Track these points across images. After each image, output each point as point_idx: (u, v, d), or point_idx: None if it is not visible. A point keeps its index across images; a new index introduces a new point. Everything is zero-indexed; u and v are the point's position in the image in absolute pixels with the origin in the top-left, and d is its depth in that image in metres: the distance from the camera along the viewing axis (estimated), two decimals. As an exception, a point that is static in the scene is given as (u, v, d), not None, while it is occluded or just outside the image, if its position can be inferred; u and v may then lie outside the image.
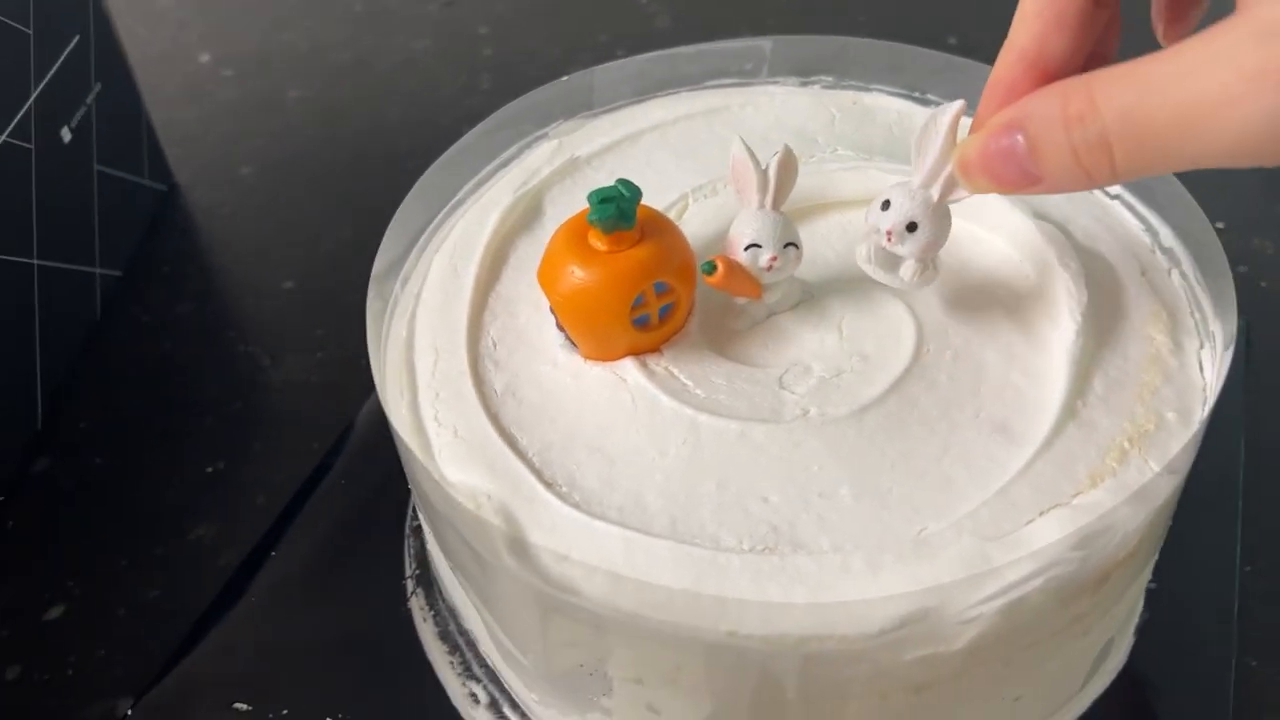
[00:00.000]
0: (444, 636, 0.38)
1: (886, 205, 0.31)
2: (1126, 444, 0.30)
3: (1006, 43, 0.31)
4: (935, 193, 0.31)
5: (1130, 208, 0.38)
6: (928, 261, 0.32)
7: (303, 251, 0.55)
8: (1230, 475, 0.41)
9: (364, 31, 0.69)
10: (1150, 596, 0.37)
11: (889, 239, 0.31)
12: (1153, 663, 0.36)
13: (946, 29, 0.65)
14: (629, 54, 0.65)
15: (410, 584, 0.39)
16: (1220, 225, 0.52)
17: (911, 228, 0.31)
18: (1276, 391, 0.45)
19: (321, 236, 0.56)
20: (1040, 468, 0.30)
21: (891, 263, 0.32)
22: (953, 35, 0.65)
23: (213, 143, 0.62)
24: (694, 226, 0.37)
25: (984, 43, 0.63)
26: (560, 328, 0.34)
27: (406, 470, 0.33)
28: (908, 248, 0.31)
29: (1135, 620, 0.37)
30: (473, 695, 0.36)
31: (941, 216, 0.31)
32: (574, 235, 0.33)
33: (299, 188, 0.59)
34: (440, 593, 0.38)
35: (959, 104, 0.31)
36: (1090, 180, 0.27)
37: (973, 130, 0.30)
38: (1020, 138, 0.28)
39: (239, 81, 0.66)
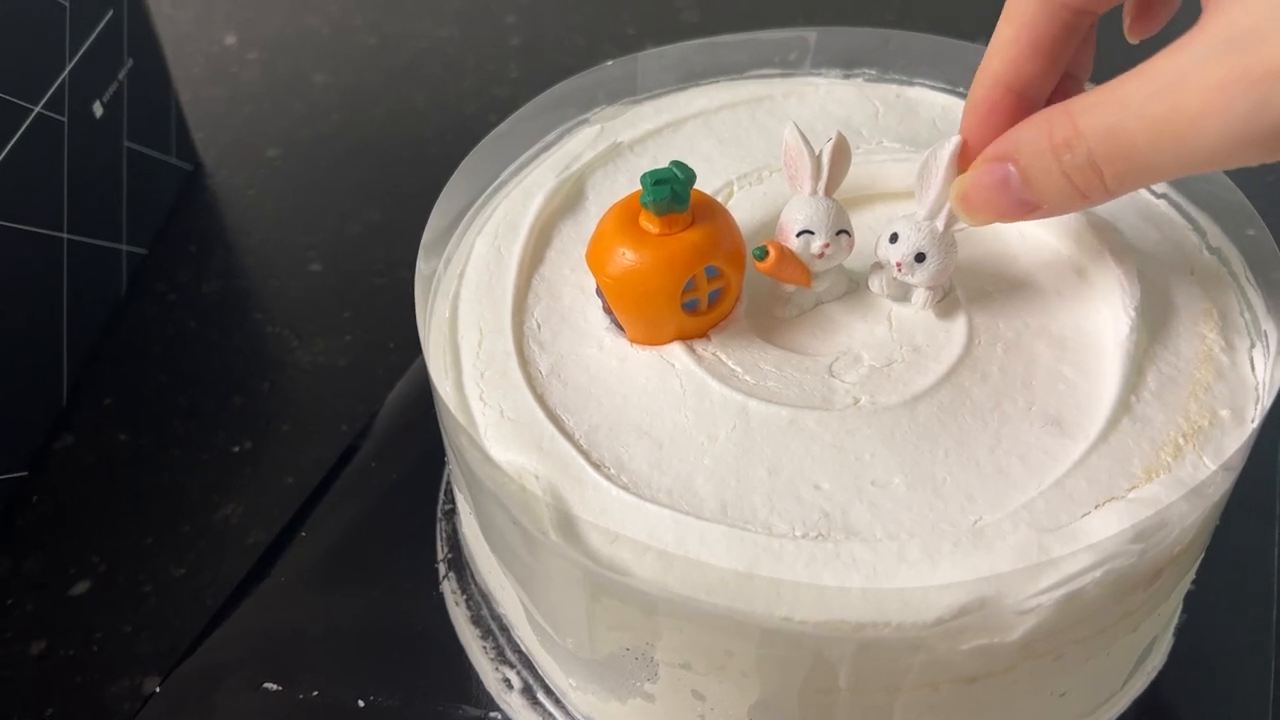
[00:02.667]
0: (477, 621, 0.37)
1: (895, 238, 0.32)
2: (1181, 440, 0.30)
3: (981, 67, 0.32)
4: (940, 224, 0.32)
5: (1177, 207, 0.38)
6: (939, 288, 0.33)
7: (329, 234, 0.55)
8: (1269, 476, 0.41)
9: (389, 17, 0.69)
10: (1188, 598, 0.37)
11: (899, 270, 0.32)
12: (1191, 664, 0.36)
13: (975, 30, 0.65)
14: (655, 45, 0.65)
15: (443, 567, 0.39)
16: (1251, 231, 0.52)
17: (920, 258, 0.32)
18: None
19: (347, 220, 0.55)
20: (1095, 461, 0.30)
21: (904, 292, 0.33)
22: (981, 36, 0.64)
23: (238, 124, 0.62)
24: (739, 214, 0.37)
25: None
26: (607, 310, 0.34)
27: (451, 448, 0.32)
28: (918, 277, 0.32)
29: (1175, 621, 0.36)
30: (506, 680, 0.36)
31: (948, 246, 0.32)
32: (625, 217, 0.33)
33: (324, 171, 0.59)
34: (473, 577, 0.38)
35: (957, 139, 0.32)
36: (1087, 200, 0.28)
37: (963, 157, 0.31)
38: (1012, 169, 0.29)
39: (264, 64, 0.65)
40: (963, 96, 0.42)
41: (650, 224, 0.32)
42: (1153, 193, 0.38)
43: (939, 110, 0.41)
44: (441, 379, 0.33)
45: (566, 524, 0.29)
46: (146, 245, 0.53)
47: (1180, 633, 0.36)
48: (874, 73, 0.43)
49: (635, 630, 0.29)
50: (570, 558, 0.29)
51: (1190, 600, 0.37)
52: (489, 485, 0.30)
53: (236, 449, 0.45)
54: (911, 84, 0.43)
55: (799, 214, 0.33)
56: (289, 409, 0.47)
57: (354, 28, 0.68)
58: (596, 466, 0.30)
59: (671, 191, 0.31)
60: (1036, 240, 0.36)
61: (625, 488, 0.30)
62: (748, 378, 0.32)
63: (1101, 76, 0.29)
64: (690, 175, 0.32)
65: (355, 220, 0.55)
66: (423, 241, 0.34)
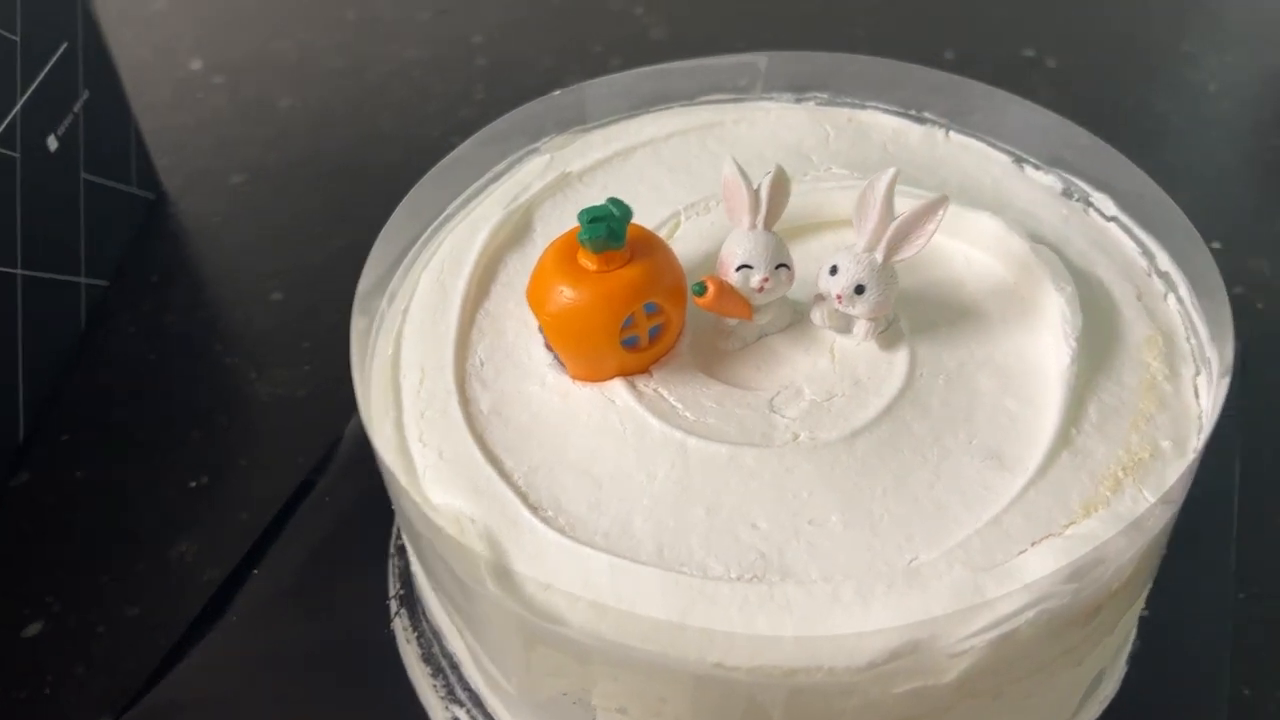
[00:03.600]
0: (427, 659, 0.37)
1: (835, 270, 0.32)
2: (1121, 473, 0.30)
3: None
4: (880, 256, 0.32)
5: (1127, 230, 0.37)
6: (880, 319, 0.33)
7: (292, 262, 0.55)
8: (1225, 500, 0.41)
9: (356, 39, 0.68)
10: (1143, 625, 0.37)
11: (839, 302, 0.32)
12: (1146, 692, 0.36)
13: (944, 43, 0.65)
14: (624, 64, 0.65)
15: (394, 604, 0.39)
16: (1217, 245, 0.52)
17: (859, 290, 0.32)
18: (1272, 415, 0.45)
19: (311, 247, 0.55)
20: (1033, 497, 0.29)
21: (847, 323, 0.33)
22: (950, 50, 0.64)
23: (203, 150, 0.61)
24: (687, 244, 0.37)
25: (979, 57, 0.64)
26: (549, 347, 0.34)
27: (390, 493, 0.32)
28: (858, 309, 0.32)
29: (1128, 649, 0.36)
30: (455, 719, 0.36)
31: (888, 278, 0.32)
32: (563, 254, 0.32)
33: (289, 197, 0.58)
34: (424, 614, 0.38)
35: (892, 171, 0.32)
36: None
37: None
38: None
39: (230, 89, 0.65)
40: (914, 119, 0.42)
41: (588, 261, 0.32)
42: (1103, 215, 0.38)
43: (890, 134, 0.41)
44: (382, 421, 0.33)
45: (501, 572, 0.29)
46: (108, 277, 0.53)
47: (1134, 660, 0.36)
48: (826, 96, 0.43)
49: (571, 677, 0.29)
50: (505, 605, 0.28)
51: (1145, 627, 0.37)
52: (423, 532, 0.30)
53: (193, 484, 0.45)
54: (864, 107, 0.42)
55: (738, 248, 0.33)
56: (246, 442, 0.47)
57: (321, 50, 0.68)
58: (534, 509, 0.30)
59: (608, 229, 0.31)
60: (983, 267, 0.36)
61: (562, 531, 0.30)
62: (688, 414, 0.32)
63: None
64: (627, 212, 0.32)
65: (318, 248, 0.55)
66: (357, 293, 0.34)
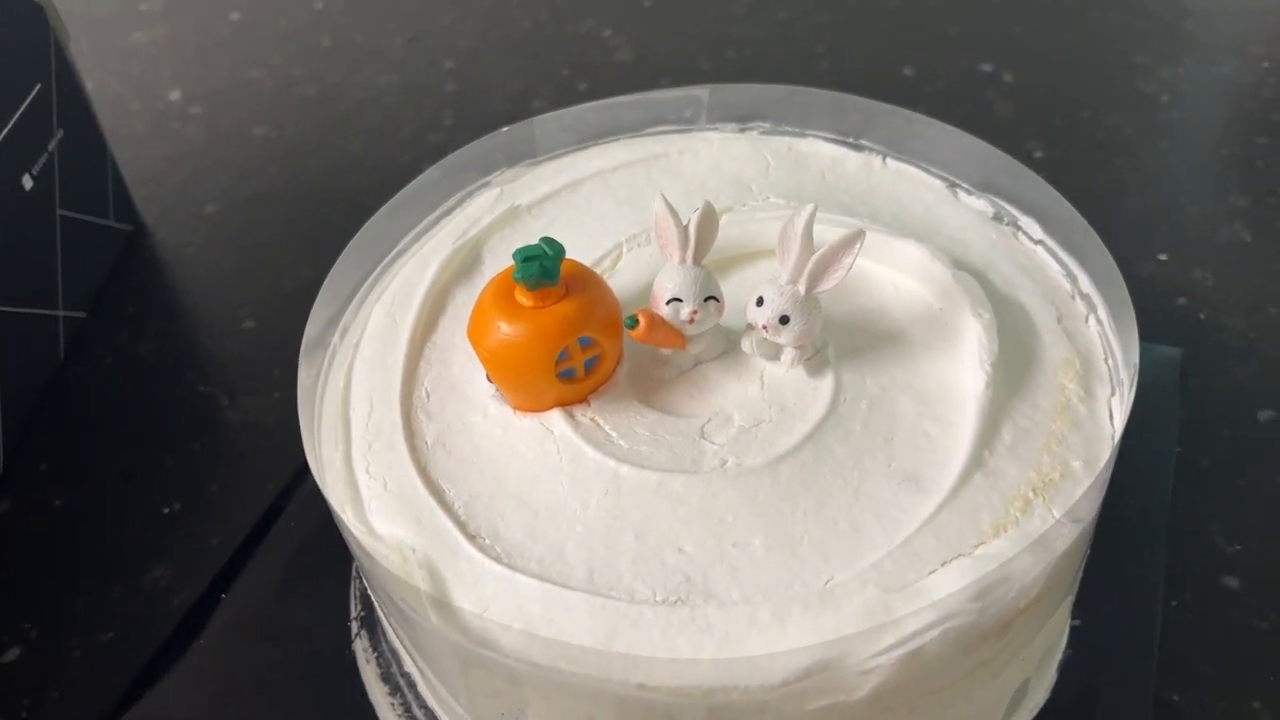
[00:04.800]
0: (386, 678, 0.38)
1: (761, 301, 0.34)
2: (1031, 493, 0.31)
3: None
4: (802, 287, 0.33)
5: (1053, 253, 0.39)
6: (806, 347, 0.34)
7: (264, 290, 0.56)
8: (1159, 509, 0.42)
9: (330, 67, 0.70)
10: (1074, 633, 0.38)
11: (766, 331, 0.33)
12: (1075, 699, 0.37)
13: (903, 60, 0.66)
14: (591, 88, 0.67)
15: (355, 625, 0.40)
16: (1163, 257, 0.54)
17: (784, 320, 0.33)
18: (1210, 424, 0.46)
19: (283, 275, 0.57)
20: (946, 518, 0.31)
21: (776, 351, 0.35)
22: (909, 66, 0.66)
23: (180, 181, 0.63)
24: (629, 275, 0.38)
25: (939, 72, 0.65)
26: (490, 379, 0.35)
27: (338, 526, 0.34)
28: (784, 338, 0.34)
29: (1057, 657, 0.37)
30: (412, 736, 0.37)
31: (811, 307, 0.33)
32: (501, 291, 0.34)
33: (263, 226, 0.60)
34: (383, 635, 0.39)
35: (811, 207, 0.33)
36: None
37: None
38: None
39: (207, 119, 0.67)
40: (854, 147, 0.43)
41: (524, 298, 0.33)
42: (1031, 239, 0.39)
43: (828, 162, 0.43)
44: (331, 455, 0.34)
45: (439, 602, 0.30)
46: (86, 309, 0.55)
47: (1064, 669, 0.38)
48: (768, 125, 0.44)
49: (507, 697, 0.31)
50: (442, 633, 0.30)
51: (1076, 636, 0.38)
52: (366, 563, 0.32)
53: (167, 510, 0.47)
54: (804, 135, 0.44)
55: (668, 282, 0.34)
56: (218, 469, 0.48)
57: (295, 79, 0.69)
58: (472, 538, 0.32)
59: (540, 267, 0.33)
60: (910, 294, 0.37)
61: (498, 559, 0.31)
62: (622, 442, 0.33)
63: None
64: (559, 250, 0.33)
65: (289, 276, 0.57)
66: (303, 345, 0.36)
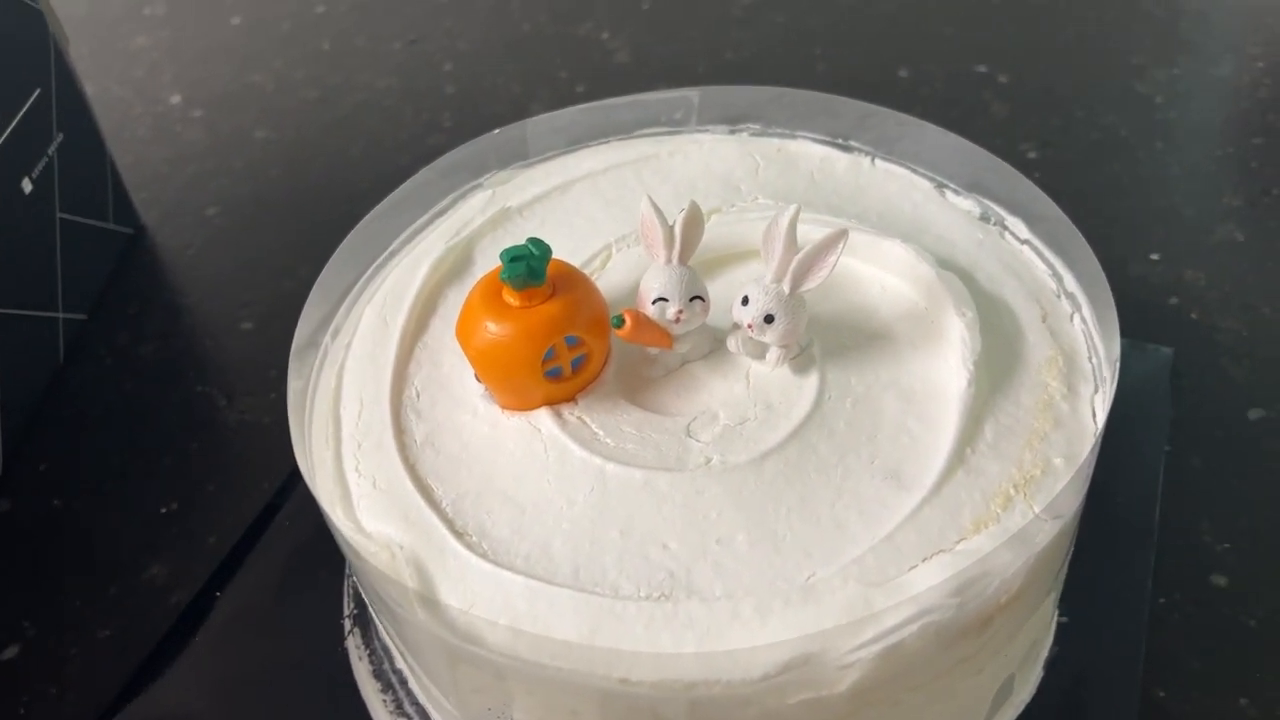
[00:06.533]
0: (378, 675, 0.39)
1: (746, 301, 0.34)
2: (1012, 490, 0.32)
3: None
4: (786, 287, 0.33)
5: (1038, 252, 0.39)
6: (791, 346, 0.35)
7: (263, 292, 0.57)
8: (1148, 507, 0.42)
9: (330, 70, 0.70)
10: (1061, 630, 0.38)
11: (751, 330, 0.34)
12: (1061, 698, 0.37)
13: (898, 62, 0.66)
14: (589, 89, 0.67)
15: (348, 623, 0.41)
16: (1155, 257, 0.54)
17: (769, 319, 0.34)
18: (1201, 423, 0.46)
19: (282, 276, 0.57)
20: (927, 514, 0.31)
21: (762, 350, 0.35)
22: (905, 68, 0.66)
23: (181, 184, 0.63)
24: (617, 275, 0.39)
25: (934, 74, 0.65)
26: (479, 379, 0.35)
27: (328, 524, 0.34)
28: (769, 337, 0.34)
29: (1044, 655, 0.38)
30: (404, 732, 0.38)
31: (796, 306, 0.34)
32: (489, 291, 0.34)
33: (262, 228, 0.60)
34: (375, 632, 0.40)
35: (794, 208, 0.33)
36: None
37: None
38: None
39: (208, 122, 0.67)
40: (842, 148, 0.44)
41: (511, 298, 0.34)
42: (1017, 238, 0.40)
43: (817, 163, 0.43)
44: (322, 454, 0.35)
45: (426, 599, 0.30)
46: (86, 310, 0.55)
47: (1051, 665, 0.38)
48: (758, 127, 0.44)
49: (493, 692, 0.31)
50: (430, 629, 0.30)
51: (1063, 633, 0.38)
52: (355, 561, 0.32)
53: (164, 510, 0.47)
54: (794, 137, 0.44)
55: (655, 282, 0.34)
56: (215, 468, 0.49)
57: (296, 82, 0.70)
58: (459, 535, 0.32)
59: (527, 267, 0.33)
60: (895, 293, 0.37)
61: (484, 555, 0.31)
62: (608, 440, 0.34)
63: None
64: (545, 251, 0.33)
65: (289, 277, 0.57)
66: (292, 349, 0.36)
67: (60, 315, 0.53)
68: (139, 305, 0.57)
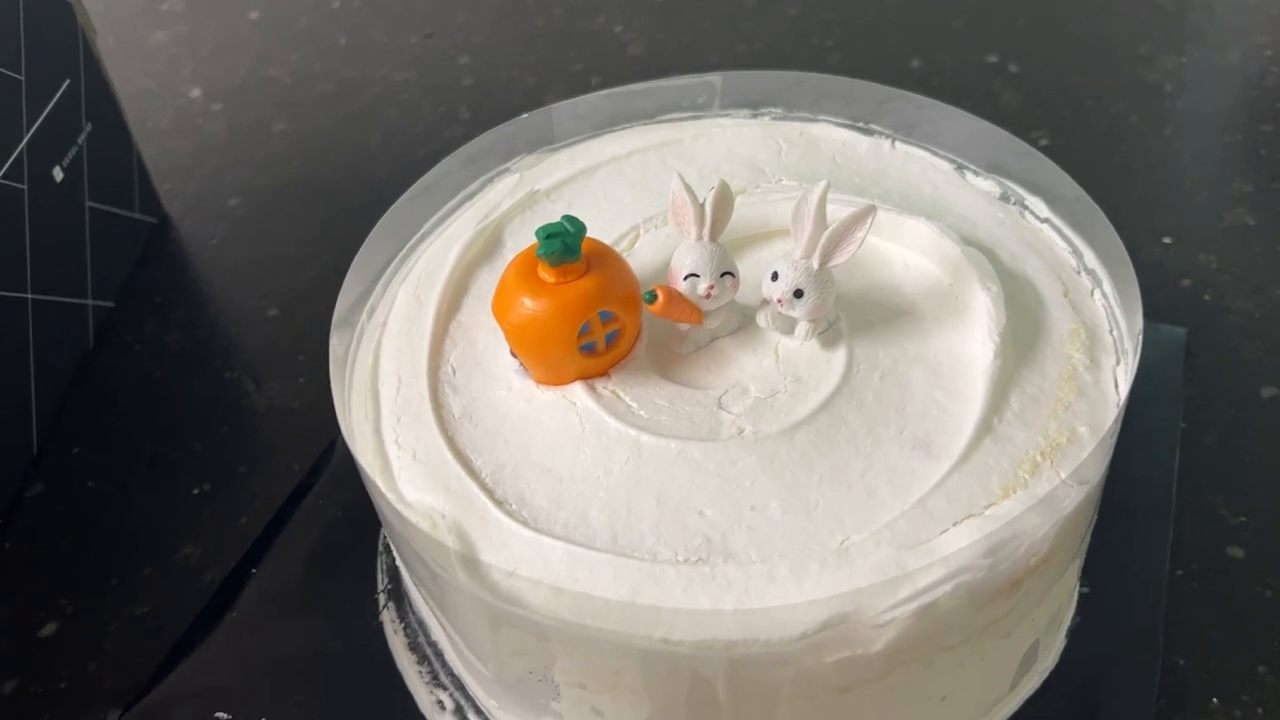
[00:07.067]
0: (413, 647, 0.40)
1: (775, 276, 0.35)
2: (1039, 457, 0.32)
3: None
4: (815, 262, 0.34)
5: (1059, 230, 0.40)
6: (820, 320, 0.35)
7: (286, 280, 0.57)
8: (1165, 482, 0.43)
9: (348, 64, 0.71)
10: (1083, 600, 0.39)
11: (781, 305, 0.35)
12: (1083, 665, 0.38)
13: (910, 52, 0.67)
14: (603, 81, 0.68)
15: (383, 598, 0.41)
16: (1168, 240, 0.55)
17: (799, 294, 0.34)
18: (1214, 401, 0.47)
19: (304, 265, 0.58)
20: (956, 480, 0.32)
21: (790, 325, 0.36)
22: (916, 58, 0.67)
23: (203, 175, 0.64)
24: (645, 255, 0.40)
25: (946, 64, 0.66)
26: (514, 354, 0.36)
27: (369, 493, 0.35)
28: (798, 311, 0.35)
29: (1066, 624, 0.39)
30: (439, 702, 0.38)
31: (824, 282, 0.34)
32: (525, 268, 0.35)
33: (284, 218, 0.61)
34: (410, 606, 0.40)
35: (823, 184, 0.34)
36: None
37: None
38: None
39: (228, 115, 0.68)
40: (863, 131, 0.44)
41: (546, 274, 0.35)
42: (1037, 217, 0.40)
43: (839, 145, 0.44)
44: (362, 426, 0.36)
45: (469, 562, 0.31)
46: (114, 298, 0.56)
47: (1073, 634, 0.39)
48: (780, 111, 0.45)
49: (535, 655, 0.32)
50: (473, 592, 0.31)
51: (1085, 603, 0.39)
52: (398, 528, 0.33)
53: (196, 491, 0.48)
54: (815, 120, 0.45)
55: (686, 258, 0.35)
56: (245, 451, 0.49)
57: (314, 75, 0.71)
58: (499, 504, 0.33)
59: (563, 244, 0.34)
60: (920, 270, 0.38)
61: (525, 523, 0.32)
62: (642, 413, 0.35)
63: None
64: (580, 228, 0.34)
65: (311, 266, 0.58)
66: (334, 319, 0.37)
67: (90, 302, 0.54)
68: (165, 293, 0.58)
